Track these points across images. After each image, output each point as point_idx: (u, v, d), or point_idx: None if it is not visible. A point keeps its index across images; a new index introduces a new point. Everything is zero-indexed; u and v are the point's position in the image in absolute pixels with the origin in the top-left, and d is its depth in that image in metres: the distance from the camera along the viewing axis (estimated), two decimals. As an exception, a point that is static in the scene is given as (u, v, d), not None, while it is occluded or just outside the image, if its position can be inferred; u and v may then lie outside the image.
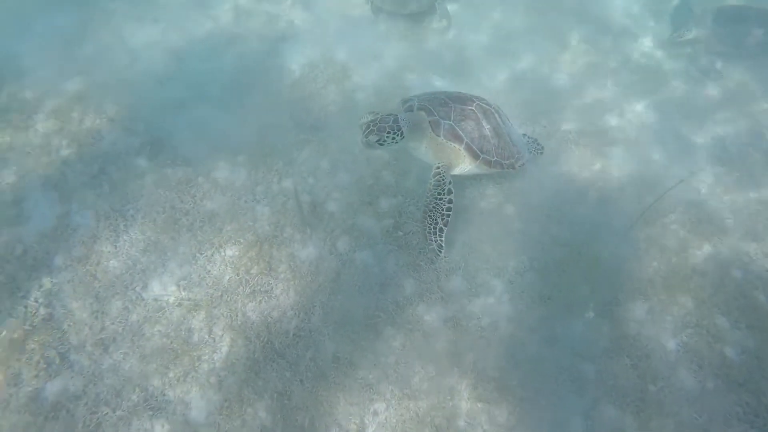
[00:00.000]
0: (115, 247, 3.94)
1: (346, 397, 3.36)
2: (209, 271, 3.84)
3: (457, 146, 3.96)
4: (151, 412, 3.31)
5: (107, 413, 3.29)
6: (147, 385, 3.41)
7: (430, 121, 3.96)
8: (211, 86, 5.08)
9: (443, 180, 3.92)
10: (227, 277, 3.80)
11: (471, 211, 4.35)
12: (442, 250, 3.81)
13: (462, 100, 4.16)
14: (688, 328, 3.70)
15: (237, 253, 3.92)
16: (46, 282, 3.75)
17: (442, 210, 3.85)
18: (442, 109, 4.01)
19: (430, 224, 3.82)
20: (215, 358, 3.50)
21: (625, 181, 4.61)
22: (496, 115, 4.23)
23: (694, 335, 3.67)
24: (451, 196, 3.88)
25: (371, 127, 3.75)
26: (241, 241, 3.97)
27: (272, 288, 3.77)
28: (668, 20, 6.34)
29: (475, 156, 3.99)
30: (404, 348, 3.56)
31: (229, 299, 3.71)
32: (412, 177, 4.51)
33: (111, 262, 3.88)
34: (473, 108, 4.09)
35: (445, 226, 3.82)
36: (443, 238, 3.82)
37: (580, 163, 4.67)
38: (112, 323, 3.62)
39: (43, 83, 4.88)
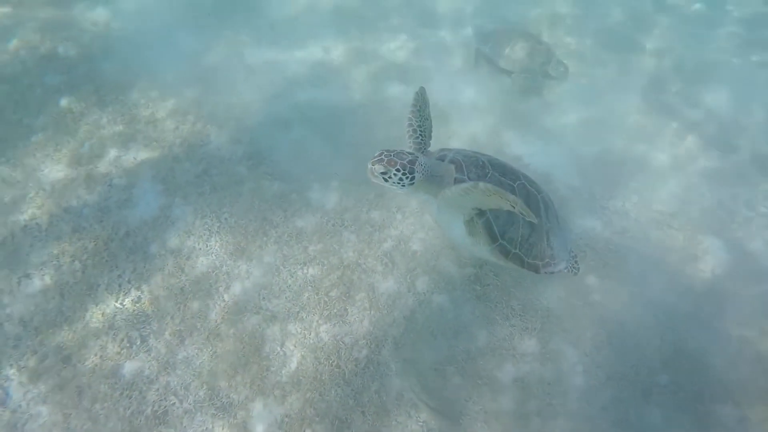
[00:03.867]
0: (207, 245, 4.13)
1: (406, 438, 3.31)
2: (290, 285, 3.94)
3: (475, 219, 3.35)
4: (214, 411, 3.38)
5: (174, 403, 3.39)
6: (214, 384, 3.49)
7: (456, 178, 3.31)
8: (316, 111, 5.34)
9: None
10: (306, 295, 3.89)
11: (552, 275, 4.28)
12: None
13: (504, 171, 3.49)
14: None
15: (319, 274, 4.01)
16: (140, 266, 3.96)
17: None
18: (474, 171, 3.35)
19: None
20: (283, 372, 3.55)
21: (722, 271, 4.42)
22: (541, 204, 3.58)
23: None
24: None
25: (383, 157, 3.13)
26: (325, 262, 4.07)
27: (348, 314, 3.82)
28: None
29: (493, 239, 3.36)
30: (470, 400, 3.50)
31: (305, 317, 3.78)
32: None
33: (200, 258, 4.06)
34: (514, 185, 3.45)
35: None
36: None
37: (672, 247, 4.53)
38: (192, 317, 3.76)
39: (168, 86, 5.30)
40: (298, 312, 3.80)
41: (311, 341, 3.67)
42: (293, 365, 3.57)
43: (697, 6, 8.14)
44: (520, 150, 5.33)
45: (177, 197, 4.39)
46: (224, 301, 3.86)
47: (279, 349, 3.63)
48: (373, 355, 3.65)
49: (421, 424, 3.37)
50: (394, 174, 3.11)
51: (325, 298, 3.88)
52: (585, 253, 4.43)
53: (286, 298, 3.87)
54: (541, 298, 4.12)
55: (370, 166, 3.14)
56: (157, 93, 5.21)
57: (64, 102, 4.96)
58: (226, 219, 4.29)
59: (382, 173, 3.12)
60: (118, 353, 3.53)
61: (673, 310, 4.06)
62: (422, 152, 3.65)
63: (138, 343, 3.60)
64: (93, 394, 3.34)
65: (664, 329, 3.91)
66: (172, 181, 4.49)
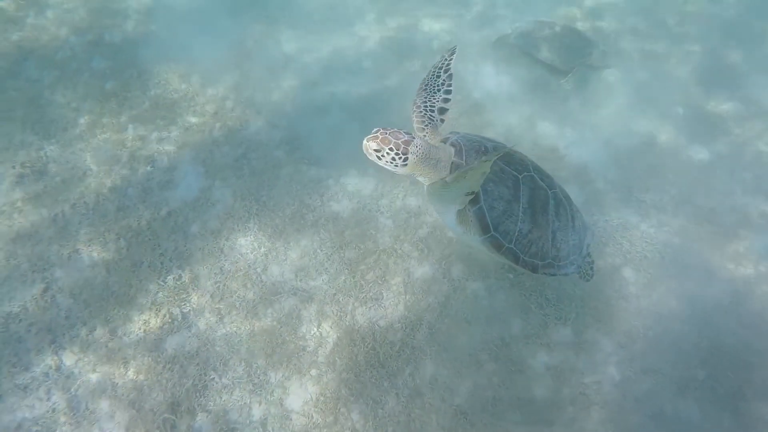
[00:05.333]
0: (245, 227, 4.23)
1: (439, 421, 3.35)
2: (327, 268, 4.01)
3: (468, 207, 3.16)
4: (251, 388, 3.47)
5: (214, 378, 3.49)
6: (252, 362, 3.58)
7: (453, 163, 3.19)
8: (352, 98, 5.39)
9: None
10: (343, 278, 3.95)
11: (587, 265, 4.26)
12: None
13: (510, 161, 3.27)
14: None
15: (355, 257, 4.07)
16: (181, 245, 4.08)
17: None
18: (475, 156, 3.17)
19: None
20: (319, 352, 3.62)
21: (765, 268, 4.32)
22: (551, 201, 3.32)
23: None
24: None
25: (378, 134, 3.03)
26: (361, 246, 4.12)
27: (383, 297, 3.87)
28: None
29: (485, 230, 3.15)
30: (503, 385, 3.51)
31: (341, 299, 3.84)
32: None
33: (239, 240, 4.16)
34: (520, 176, 3.21)
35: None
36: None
37: (712, 242, 4.44)
38: (231, 296, 3.86)
39: (207, 72, 5.41)
40: (335, 294, 3.86)
41: (347, 323, 3.73)
42: (329, 346, 3.64)
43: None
44: (556, 141, 5.28)
45: (217, 179, 4.49)
46: (262, 281, 3.94)
47: (315, 329, 3.71)
48: (407, 339, 3.69)
49: (454, 407, 3.40)
50: (387, 153, 3.02)
51: (361, 282, 3.93)
52: (621, 245, 4.39)
53: (323, 280, 3.93)
54: (576, 288, 4.09)
55: (365, 142, 3.05)
56: (197, 78, 5.33)
57: (109, 86, 5.11)
58: (264, 202, 4.38)
59: (376, 151, 3.04)
60: (160, 328, 3.65)
61: (712, 305, 3.99)
62: (428, 132, 3.51)
63: (179, 319, 3.72)
64: (138, 366, 3.47)
65: (702, 324, 3.84)
66: (212, 164, 4.60)
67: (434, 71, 3.78)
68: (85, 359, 3.45)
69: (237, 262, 4.03)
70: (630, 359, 3.72)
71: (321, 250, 4.10)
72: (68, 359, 3.44)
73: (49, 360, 3.42)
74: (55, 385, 3.33)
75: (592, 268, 3.77)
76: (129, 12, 5.91)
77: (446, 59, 3.81)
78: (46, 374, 3.37)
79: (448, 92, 3.70)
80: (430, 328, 3.74)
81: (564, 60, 5.86)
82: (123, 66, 5.33)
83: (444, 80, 3.73)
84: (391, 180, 4.58)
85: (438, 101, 3.65)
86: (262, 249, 4.10)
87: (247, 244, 4.13)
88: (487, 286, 3.99)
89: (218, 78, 5.42)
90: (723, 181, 4.95)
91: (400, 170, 3.12)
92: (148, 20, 5.92)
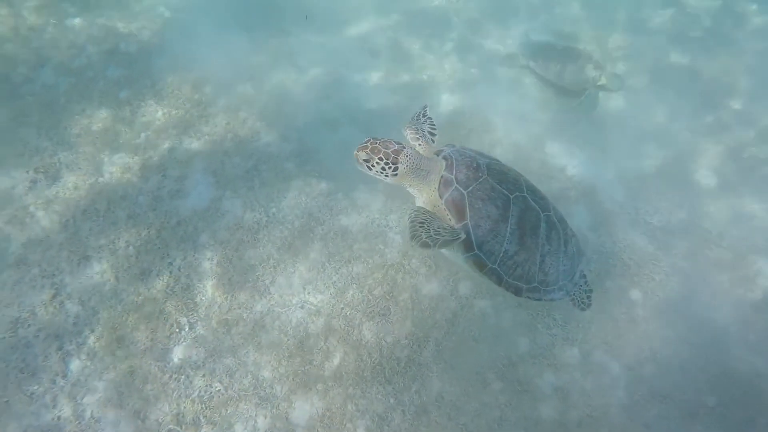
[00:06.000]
0: (255, 239, 4.24)
1: (445, 440, 3.33)
2: (335, 282, 4.01)
3: (452, 222, 3.09)
4: (257, 401, 3.46)
5: (220, 389, 3.48)
6: (258, 374, 3.57)
7: (442, 176, 3.13)
8: (362, 113, 5.43)
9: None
10: (351, 292, 3.95)
11: (594, 286, 4.24)
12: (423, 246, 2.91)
13: (504, 179, 3.15)
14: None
15: (363, 272, 4.07)
16: (190, 255, 4.09)
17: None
18: (466, 172, 3.08)
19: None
20: (325, 367, 3.61)
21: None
22: (542, 223, 3.18)
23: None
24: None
25: (368, 144, 3.04)
26: (369, 261, 4.13)
27: (391, 313, 3.87)
28: None
29: (468, 248, 3.07)
30: (510, 405, 3.49)
31: (349, 313, 3.84)
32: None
33: (248, 251, 4.16)
34: (512, 196, 3.10)
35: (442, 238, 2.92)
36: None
37: (721, 266, 4.44)
38: (239, 308, 3.86)
39: (220, 82, 5.45)
40: (342, 308, 3.86)
41: (354, 338, 3.72)
42: (336, 361, 3.63)
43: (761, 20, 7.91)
44: (564, 161, 5.31)
45: (227, 190, 4.51)
46: (270, 293, 3.95)
47: (322, 343, 3.70)
48: (414, 356, 3.68)
49: (460, 426, 3.38)
50: (377, 162, 3.02)
51: (369, 296, 3.93)
52: (629, 267, 4.39)
53: (330, 294, 3.94)
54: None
55: (355, 153, 3.05)
56: (210, 89, 5.37)
57: (123, 94, 5.16)
58: (274, 214, 4.40)
59: (365, 160, 3.04)
60: (168, 337, 3.65)
61: (721, 331, 3.98)
62: (422, 143, 3.51)
63: (186, 329, 3.72)
64: (144, 375, 3.46)
65: (711, 349, 3.83)
66: (223, 175, 4.63)
67: (415, 116, 3.88)
68: (92, 367, 3.45)
69: (245, 274, 4.03)
70: (638, 382, 3.71)
71: (329, 264, 4.11)
72: (75, 366, 3.43)
73: (56, 367, 3.42)
74: (61, 393, 3.33)
75: (589, 297, 3.61)
76: (145, 22, 5.99)
77: (421, 112, 3.92)
78: (53, 381, 3.36)
79: (433, 126, 3.80)
80: (437, 345, 3.73)
81: (574, 81, 5.91)
82: (137, 75, 5.38)
83: (427, 119, 3.85)
84: (401, 195, 4.60)
85: (426, 131, 3.73)
86: (271, 261, 4.11)
87: (256, 255, 4.13)
88: (495, 304, 3.98)
89: (231, 89, 5.47)
90: (731, 205, 4.96)
91: (390, 180, 3.13)
92: (163, 31, 5.99)
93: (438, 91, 5.97)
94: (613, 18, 7.32)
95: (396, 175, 3.08)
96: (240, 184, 4.59)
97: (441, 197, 3.10)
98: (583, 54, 6.14)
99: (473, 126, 5.44)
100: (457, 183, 3.06)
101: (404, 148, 3.07)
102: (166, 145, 4.81)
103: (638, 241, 4.61)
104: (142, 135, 4.86)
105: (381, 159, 3.02)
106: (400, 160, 3.04)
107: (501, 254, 3.06)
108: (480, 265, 3.08)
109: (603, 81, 5.99)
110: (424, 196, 3.23)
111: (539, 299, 3.25)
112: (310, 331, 3.76)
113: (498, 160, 3.36)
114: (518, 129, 5.50)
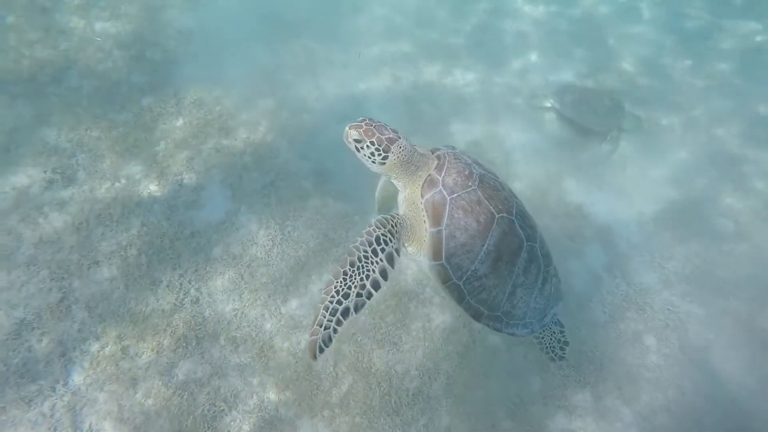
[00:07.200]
0: (268, 256, 4.18)
1: (452, 479, 3.22)
2: (347, 305, 3.94)
3: (426, 224, 2.83)
4: (262, 424, 3.36)
5: (224, 409, 3.38)
6: (264, 396, 3.48)
7: (429, 175, 2.88)
8: (382, 137, 5.43)
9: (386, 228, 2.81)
10: (362, 318, 3.88)
11: (608, 328, 4.19)
12: (322, 351, 2.54)
13: (493, 195, 2.87)
14: None
15: (376, 298, 3.99)
16: (201, 268, 4.03)
17: (362, 276, 2.74)
18: (455, 177, 2.84)
19: (333, 299, 2.62)
20: (333, 393, 3.52)
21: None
22: (524, 254, 2.92)
23: None
24: (386, 263, 2.75)
25: (363, 124, 2.82)
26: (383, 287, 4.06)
27: (402, 342, 3.79)
28: None
29: (436, 256, 2.80)
30: (520, 448, 3.40)
31: (360, 339, 3.76)
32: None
33: (261, 269, 4.10)
34: (497, 215, 2.83)
35: (355, 310, 2.65)
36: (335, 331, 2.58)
37: (737, 318, 4.38)
38: (248, 326, 3.78)
39: (242, 96, 5.47)
40: (353, 333, 3.79)
41: (364, 365, 3.64)
42: (344, 387, 3.54)
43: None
44: (581, 199, 5.29)
45: (243, 204, 4.48)
46: (280, 313, 3.88)
47: (331, 369, 3.61)
48: (424, 387, 3.59)
49: (468, 466, 3.28)
50: (367, 146, 2.80)
51: (381, 323, 3.86)
52: (644, 311, 4.33)
53: (342, 317, 3.86)
54: (596, 351, 4.02)
55: (346, 129, 2.82)
56: (232, 101, 5.39)
57: (145, 101, 5.17)
58: (289, 232, 4.35)
59: (356, 140, 2.81)
60: (174, 351, 3.56)
61: (738, 383, 3.89)
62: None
63: (193, 344, 3.63)
64: (147, 389, 3.37)
65: (728, 404, 3.75)
66: (240, 188, 4.60)
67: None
68: (94, 376, 3.35)
69: (256, 291, 3.96)
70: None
71: (342, 287, 4.04)
72: (77, 375, 3.34)
73: (57, 374, 3.32)
74: (60, 401, 3.23)
75: (563, 349, 3.35)
76: (172, 32, 6.04)
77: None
78: (53, 388, 3.26)
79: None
80: (448, 378, 3.65)
81: (597, 122, 5.93)
82: (160, 83, 5.40)
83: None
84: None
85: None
86: (283, 280, 4.05)
87: (269, 273, 4.08)
88: (507, 339, 3.91)
89: (253, 103, 5.49)
90: (749, 255, 4.92)
91: (376, 168, 2.90)
92: (189, 41, 6.04)
93: (456, 119, 5.98)
94: (635, 61, 7.39)
95: (384, 164, 2.85)
96: (256, 199, 4.55)
97: (422, 196, 2.85)
98: (605, 95, 6.19)
99: (492, 158, 5.43)
100: (442, 186, 2.82)
101: (399, 138, 2.84)
102: (185, 154, 4.79)
103: (653, 286, 4.56)
104: (162, 143, 4.85)
105: (373, 143, 2.79)
106: (392, 150, 2.81)
107: (469, 272, 2.80)
108: (444, 277, 2.84)
109: (625, 122, 6.02)
110: (407, 191, 2.98)
111: (498, 330, 2.98)
112: (318, 356, 3.67)
113: (495, 176, 3.07)
114: (536, 164, 5.50)
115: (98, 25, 5.65)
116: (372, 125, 2.81)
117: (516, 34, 7.57)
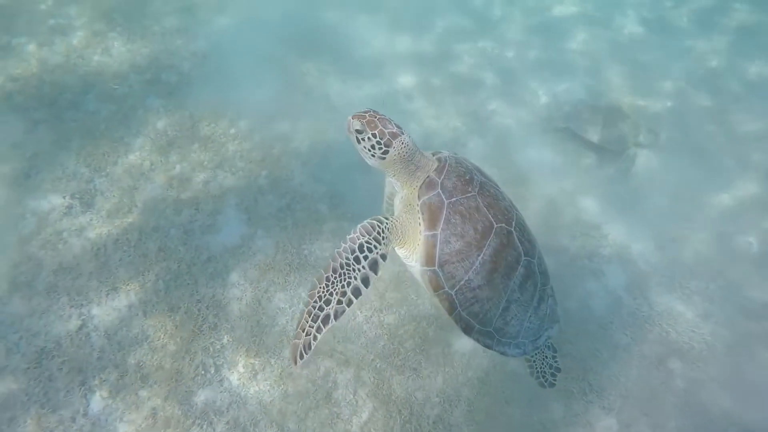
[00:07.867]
0: (285, 280, 4.17)
1: None
2: (365, 331, 3.91)
3: (421, 227, 2.71)
4: (281, 454, 3.32)
5: (243, 439, 3.35)
6: (283, 425, 3.44)
7: (428, 177, 2.78)
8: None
9: (373, 233, 2.74)
10: (382, 343, 3.84)
11: (631, 351, 4.11)
12: (301, 359, 2.53)
13: (493, 203, 2.76)
14: None
15: (395, 322, 3.97)
16: (219, 293, 4.02)
17: (344, 283, 2.67)
18: (455, 182, 2.74)
19: (315, 304, 2.61)
20: (353, 421, 3.47)
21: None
22: (521, 267, 2.79)
23: None
24: (368, 271, 2.69)
25: (366, 114, 2.71)
26: (402, 311, 4.03)
27: (422, 367, 3.74)
28: None
29: (429, 261, 2.68)
30: (545, 479, 3.32)
31: (379, 366, 3.72)
32: (573, 299, 4.41)
33: (278, 293, 4.09)
34: (496, 225, 2.71)
35: (335, 318, 2.60)
36: (313, 341, 2.56)
37: (764, 340, 4.28)
38: (267, 352, 3.76)
39: (257, 119, 5.49)
40: (373, 360, 3.75)
41: (384, 392, 3.59)
42: (365, 416, 3.49)
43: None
44: (598, 218, 5.23)
45: (259, 228, 4.48)
46: (298, 338, 3.84)
47: (351, 396, 3.57)
48: (445, 415, 3.54)
49: (493, 497, 3.21)
50: (369, 138, 2.68)
51: (400, 348, 3.82)
52: (668, 333, 4.25)
53: (361, 344, 3.83)
54: (620, 375, 3.94)
55: (349, 118, 2.72)
56: (246, 124, 5.41)
57: (161, 124, 5.21)
58: (306, 256, 4.34)
59: (357, 131, 2.71)
60: (192, 379, 3.54)
61: None
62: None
63: (212, 371, 3.61)
64: (166, 418, 3.34)
65: (761, 430, 3.65)
66: (256, 212, 4.60)
67: None
68: (114, 405, 3.34)
69: (274, 317, 3.94)
70: (679, 460, 3.52)
71: (360, 312, 4.02)
72: (96, 404, 3.33)
73: (78, 403, 3.31)
74: (80, 432, 3.21)
75: (554, 375, 3.19)
76: (186, 55, 6.10)
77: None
78: (73, 419, 3.25)
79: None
80: (469, 405, 3.59)
81: (613, 141, 5.88)
82: (176, 106, 5.44)
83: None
84: (434, 244, 4.53)
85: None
86: (301, 305, 4.02)
87: (286, 298, 4.06)
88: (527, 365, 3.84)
89: (267, 126, 5.51)
90: (773, 274, 4.83)
91: (375, 162, 2.78)
92: (203, 64, 6.09)
93: (471, 138, 5.97)
94: (652, 81, 7.35)
95: (384, 159, 2.73)
96: (272, 222, 4.55)
97: (419, 198, 2.74)
98: (621, 113, 6.15)
99: (506, 179, 5.39)
100: (441, 189, 2.72)
101: (402, 134, 2.73)
102: (201, 177, 4.81)
103: (676, 307, 4.48)
104: (177, 167, 4.88)
105: (374, 135, 2.67)
106: (394, 145, 2.69)
107: (462, 282, 2.68)
108: (436, 285, 2.71)
109: (641, 139, 5.97)
110: (404, 191, 2.87)
111: (489, 347, 2.83)
112: (338, 383, 3.64)
113: (497, 185, 3.00)
114: (551, 183, 5.46)
115: (114, 49, 5.73)
116: (376, 117, 2.70)
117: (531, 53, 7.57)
